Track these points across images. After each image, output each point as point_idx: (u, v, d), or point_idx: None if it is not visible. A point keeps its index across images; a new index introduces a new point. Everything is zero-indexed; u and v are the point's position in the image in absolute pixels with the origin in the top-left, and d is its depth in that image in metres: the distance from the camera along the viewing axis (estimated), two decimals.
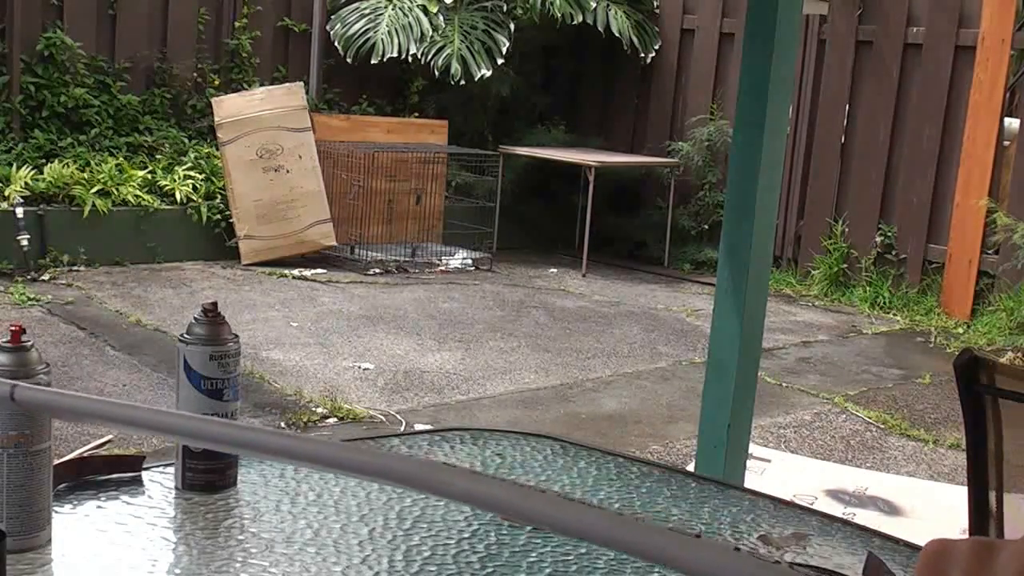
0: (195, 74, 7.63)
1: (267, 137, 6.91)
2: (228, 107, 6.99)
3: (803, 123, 7.58)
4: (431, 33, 7.60)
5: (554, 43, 8.38)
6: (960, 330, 6.54)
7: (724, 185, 7.05)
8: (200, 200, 6.87)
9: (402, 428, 4.17)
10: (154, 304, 5.76)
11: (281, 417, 4.21)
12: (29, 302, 5.59)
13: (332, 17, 7.85)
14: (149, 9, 7.40)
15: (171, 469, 1.29)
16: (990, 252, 6.75)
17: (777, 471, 3.87)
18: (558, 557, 1.18)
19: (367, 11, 7.69)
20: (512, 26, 7.76)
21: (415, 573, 1.12)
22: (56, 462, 1.17)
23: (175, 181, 6.88)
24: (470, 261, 7.47)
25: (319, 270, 6.85)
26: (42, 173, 6.45)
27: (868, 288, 7.15)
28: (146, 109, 7.40)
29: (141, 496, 1.24)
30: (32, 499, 1.09)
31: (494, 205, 7.71)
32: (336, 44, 7.66)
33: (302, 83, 7.40)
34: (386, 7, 7.69)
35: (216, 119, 6.98)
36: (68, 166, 6.56)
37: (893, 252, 7.22)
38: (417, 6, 7.71)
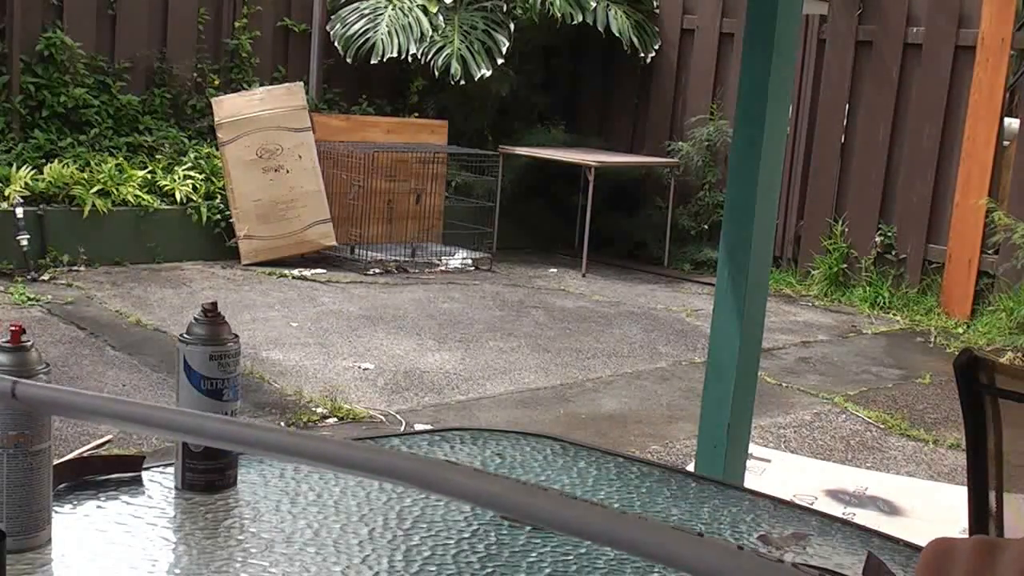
0: (195, 74, 7.63)
1: (267, 137, 6.91)
2: (228, 107, 6.99)
3: (803, 123, 7.58)
4: (431, 33, 7.60)
5: (554, 43, 8.38)
6: (960, 330, 6.54)
7: (724, 185, 7.04)
8: (200, 200, 6.87)
9: (402, 428, 4.17)
10: (154, 304, 5.76)
11: (281, 417, 4.21)
12: (29, 302, 5.59)
13: (332, 17, 7.85)
14: (149, 9, 7.40)
15: (171, 469, 1.29)
16: (990, 252, 6.75)
17: (777, 471, 3.87)
18: (558, 557, 1.17)
19: (367, 11, 7.69)
20: (512, 26, 7.76)
21: (415, 573, 1.12)
22: (56, 462, 1.17)
23: (175, 181, 6.88)
24: (470, 261, 7.47)
25: (319, 270, 6.85)
26: (42, 173, 6.45)
27: (868, 288, 7.15)
28: (146, 109, 7.40)
29: (141, 496, 1.24)
30: (32, 499, 1.09)
31: (494, 205, 7.71)
32: (336, 44, 7.66)
33: (302, 83, 7.40)
34: (386, 7, 7.69)
35: (216, 119, 6.98)
36: (68, 166, 6.56)
37: (893, 252, 7.22)
38: (417, 6, 7.71)
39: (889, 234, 7.23)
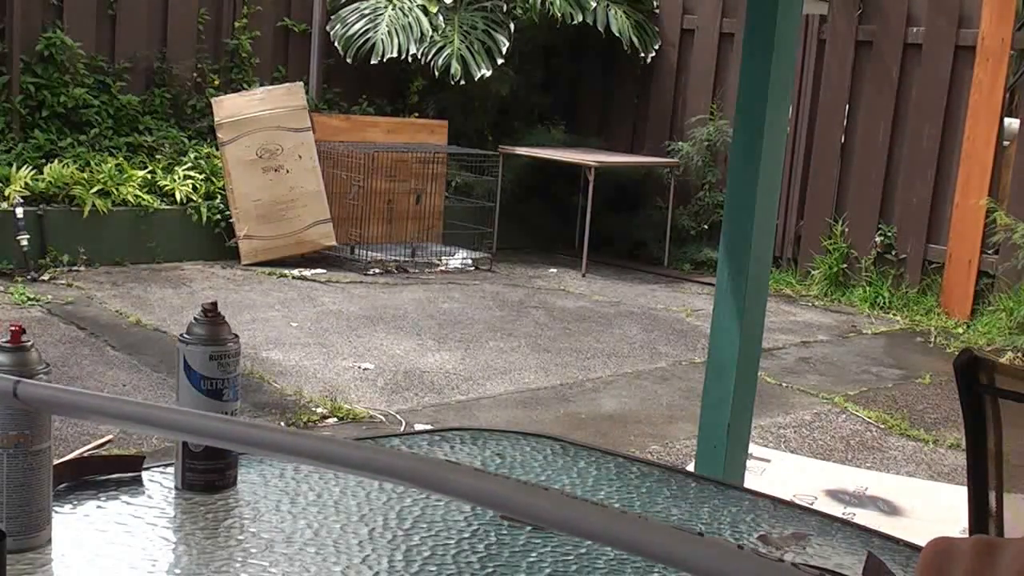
0: (195, 74, 7.63)
1: (267, 137, 6.91)
2: (228, 107, 6.99)
3: (803, 123, 7.58)
4: (431, 33, 7.60)
5: (554, 43, 8.38)
6: (960, 330, 6.54)
7: (724, 185, 7.04)
8: (200, 200, 6.87)
9: (402, 428, 4.17)
10: (154, 304, 5.76)
11: (281, 417, 4.21)
12: (29, 302, 5.59)
13: (332, 17, 7.85)
14: (149, 9, 7.40)
15: (171, 469, 1.29)
16: (990, 252, 6.75)
17: (777, 471, 3.87)
18: (558, 557, 1.17)
19: (367, 11, 7.69)
20: (512, 26, 7.76)
21: (415, 573, 1.12)
22: (56, 462, 1.17)
23: (175, 181, 6.88)
24: (470, 261, 7.47)
25: (319, 270, 6.85)
26: (42, 173, 6.45)
27: (868, 288, 7.15)
28: (146, 109, 7.41)
29: (141, 496, 1.24)
30: (32, 499, 1.09)
31: (494, 205, 7.71)
32: (336, 44, 7.66)
33: (302, 83, 7.40)
34: (386, 7, 7.69)
35: (216, 119, 6.98)
36: (68, 166, 6.56)
37: (893, 252, 7.22)
38: (417, 6, 7.71)
39: (889, 234, 7.23)
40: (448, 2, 7.81)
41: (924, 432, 4.55)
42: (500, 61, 7.64)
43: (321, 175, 7.05)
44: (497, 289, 6.84)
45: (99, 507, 1.20)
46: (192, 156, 7.16)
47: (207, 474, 1.26)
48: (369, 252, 7.16)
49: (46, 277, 6.12)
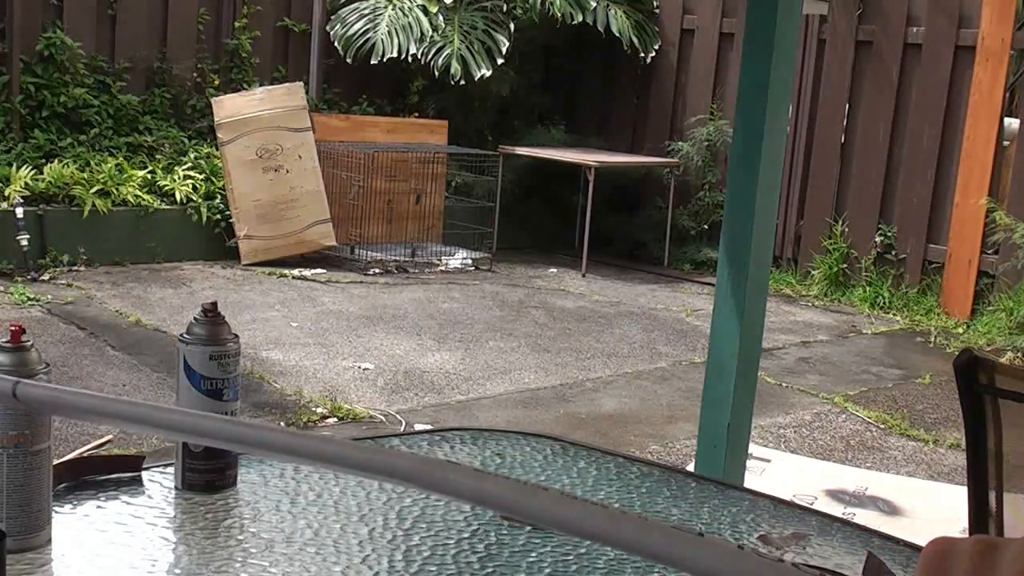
0: (195, 74, 7.63)
1: (267, 137, 6.91)
2: (228, 107, 6.99)
3: (803, 123, 7.58)
4: (431, 33, 7.60)
5: (554, 43, 8.38)
6: (960, 330, 6.54)
7: (724, 185, 7.05)
8: (200, 200, 6.87)
9: (402, 428, 4.17)
10: (154, 304, 5.76)
11: (281, 417, 4.21)
12: (29, 302, 5.59)
13: (332, 17, 7.85)
14: (149, 9, 7.40)
15: (171, 469, 1.29)
16: (990, 252, 6.75)
17: (777, 471, 3.87)
18: (558, 557, 1.18)
19: (367, 11, 7.69)
20: (512, 26, 7.76)
21: (415, 573, 1.12)
22: (56, 462, 1.17)
23: (175, 181, 6.88)
24: (470, 261, 7.47)
25: (319, 270, 6.85)
26: (42, 173, 6.45)
27: (868, 288, 7.15)
28: (146, 109, 7.41)
29: (141, 496, 1.24)
30: (32, 499, 1.09)
31: (494, 205, 7.71)
32: (336, 44, 7.66)
33: (302, 83, 7.40)
34: (386, 7, 7.69)
35: (216, 119, 6.98)
36: (68, 166, 6.56)
37: (893, 252, 7.22)
38: (417, 6, 7.71)
39: (889, 234, 7.23)
40: (448, 2, 7.81)
41: (924, 432, 4.55)
42: (500, 61, 7.64)
43: (321, 175, 7.05)
44: (497, 289, 6.84)
45: (99, 507, 1.20)
46: (192, 156, 7.16)
47: (207, 474, 1.26)
48: (369, 252, 7.16)
49: (46, 277, 6.12)
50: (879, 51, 7.29)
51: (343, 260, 7.11)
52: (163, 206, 6.77)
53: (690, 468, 2.75)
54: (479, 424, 4.24)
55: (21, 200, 6.23)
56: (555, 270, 7.57)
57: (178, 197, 6.82)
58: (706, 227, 7.87)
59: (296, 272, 6.73)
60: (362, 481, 1.31)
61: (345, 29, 7.64)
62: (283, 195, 6.90)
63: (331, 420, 4.24)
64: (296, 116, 7.02)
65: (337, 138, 7.34)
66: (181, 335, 1.27)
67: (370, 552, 1.15)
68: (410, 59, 7.59)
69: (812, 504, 3.44)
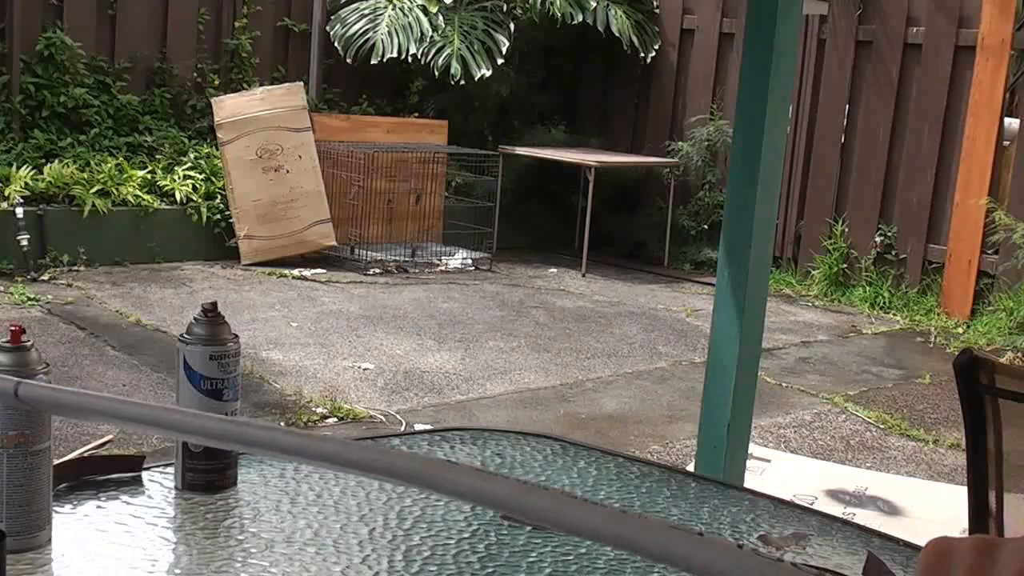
0: (195, 74, 7.63)
1: (267, 137, 6.91)
2: (228, 107, 6.99)
3: (803, 123, 7.58)
4: (431, 33, 7.60)
5: (554, 43, 8.38)
6: (960, 330, 6.54)
7: (724, 185, 7.05)
8: (200, 200, 6.87)
9: (402, 428, 4.17)
10: (154, 304, 5.76)
11: (281, 417, 4.21)
12: (29, 302, 5.59)
13: (332, 17, 7.85)
14: (149, 9, 7.40)
15: (171, 469, 1.29)
16: (990, 252, 6.75)
17: (777, 471, 3.87)
18: (558, 557, 1.18)
19: (367, 11, 7.69)
20: (512, 26, 7.76)
21: (415, 573, 1.12)
22: (56, 462, 1.17)
23: (175, 181, 6.88)
24: (470, 261, 7.47)
25: (319, 270, 6.85)
26: (42, 173, 6.45)
27: (868, 288, 7.15)
28: (146, 109, 7.41)
29: (141, 496, 1.24)
30: (32, 499, 1.09)
31: (494, 205, 7.71)
32: (336, 44, 7.66)
33: (302, 83, 7.40)
34: (386, 7, 7.69)
35: (216, 119, 6.98)
36: (68, 166, 6.56)
37: (893, 252, 7.22)
38: (417, 6, 7.71)
39: (889, 234, 7.23)
40: (448, 2, 7.81)
41: (924, 432, 4.55)
42: (500, 61, 7.64)
43: (321, 175, 7.05)
44: (497, 289, 6.84)
45: (99, 507, 1.20)
46: (192, 156, 7.16)
47: (207, 474, 1.26)
48: (369, 252, 7.16)
49: (46, 277, 6.12)
50: (879, 51, 7.29)
51: (343, 260, 7.11)
52: (163, 206, 6.77)
53: (690, 468, 2.75)
54: (479, 424, 4.24)
55: (21, 200, 6.23)
56: (555, 270, 7.57)
57: (178, 197, 6.82)
58: (706, 227, 7.87)
59: (296, 272, 6.73)
60: (362, 481, 1.31)
61: (345, 29, 7.64)
62: (283, 195, 6.90)
63: (331, 420, 4.24)
64: (296, 116, 7.02)
65: (337, 138, 7.34)
66: (181, 335, 1.27)
67: (370, 552, 1.15)
68: (410, 59, 7.59)
69: (812, 504, 3.44)
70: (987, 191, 6.70)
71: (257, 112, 6.95)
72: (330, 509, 1.24)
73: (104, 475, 1.26)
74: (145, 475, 1.29)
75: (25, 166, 6.46)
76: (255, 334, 5.24)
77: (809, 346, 6.00)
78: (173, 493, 1.26)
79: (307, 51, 8.08)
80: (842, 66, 7.44)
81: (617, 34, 7.94)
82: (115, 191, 6.59)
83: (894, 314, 6.87)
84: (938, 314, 6.79)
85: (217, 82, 7.61)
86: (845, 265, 7.34)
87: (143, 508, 1.21)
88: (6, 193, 6.24)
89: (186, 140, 7.36)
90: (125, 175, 6.74)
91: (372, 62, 7.49)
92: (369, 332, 5.53)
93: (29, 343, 1.11)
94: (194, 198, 6.86)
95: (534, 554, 1.18)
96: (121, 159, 6.91)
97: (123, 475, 1.27)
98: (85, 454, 3.16)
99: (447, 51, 7.55)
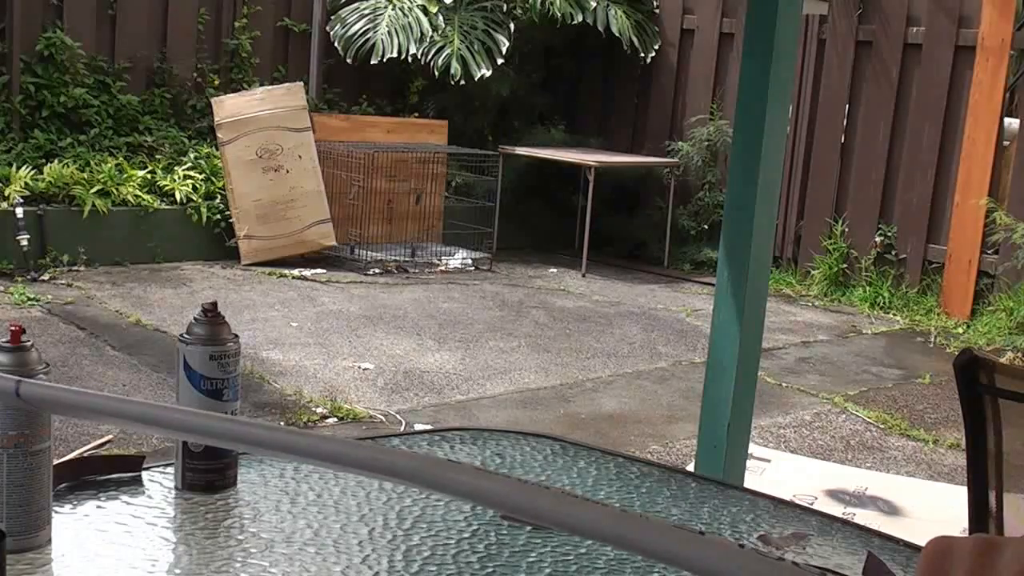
0: (195, 74, 7.63)
1: (267, 137, 6.91)
2: (228, 107, 6.99)
3: (803, 123, 7.58)
4: (431, 33, 7.60)
5: (554, 43, 8.37)
6: (960, 330, 6.54)
7: (724, 185, 7.05)
8: (200, 200, 6.87)
9: (402, 428, 4.17)
10: (154, 304, 5.76)
11: (281, 417, 4.21)
12: (29, 302, 5.59)
13: (332, 17, 7.85)
14: (149, 9, 7.40)
15: (171, 469, 1.29)
16: (990, 252, 6.75)
17: (777, 471, 3.87)
18: (558, 557, 1.18)
19: (367, 11, 7.69)
20: (512, 26, 7.76)
21: (415, 573, 1.12)
22: (56, 462, 1.17)
23: (175, 181, 6.88)
24: (470, 261, 7.47)
25: (319, 270, 6.85)
26: (42, 173, 6.45)
27: (868, 288, 7.15)
28: (146, 109, 7.41)
29: (141, 496, 1.24)
30: (32, 499, 1.09)
31: (494, 205, 7.71)
32: (336, 44, 7.66)
33: (302, 83, 7.40)
34: (386, 7, 7.69)
35: (216, 119, 6.98)
36: (68, 166, 6.56)
37: (893, 252, 7.22)
38: (417, 6, 7.71)
39: (889, 234, 7.23)
40: (448, 2, 7.81)
41: (924, 432, 4.55)
42: (500, 61, 7.64)
43: (321, 175, 7.05)
44: (497, 289, 6.84)
45: (99, 507, 1.20)
46: (192, 156, 7.16)
47: (207, 474, 1.26)
48: (369, 252, 7.16)
49: (46, 277, 6.12)
50: (879, 51, 7.29)
51: (343, 260, 7.11)
52: (163, 206, 6.77)
53: (690, 468, 2.75)
54: (479, 424, 4.24)
55: (21, 200, 6.23)
56: (555, 270, 7.57)
57: (178, 197, 6.82)
58: (706, 227, 7.87)
59: (296, 272, 6.73)
60: (362, 481, 1.31)
61: (345, 29, 7.64)
62: (283, 195, 6.90)
63: (331, 420, 4.24)
64: (296, 116, 7.02)
65: (337, 138, 7.34)
66: (181, 335, 1.27)
67: (370, 552, 1.15)
68: (410, 59, 7.59)
69: (812, 504, 3.44)
70: (987, 191, 6.70)
71: (257, 112, 6.95)
72: (330, 509, 1.24)
73: (104, 475, 1.26)
74: (145, 475, 1.29)
75: (25, 166, 6.46)
76: (255, 334, 5.24)
77: (809, 346, 6.00)
78: (173, 493, 1.26)
79: (307, 51, 8.08)
80: (842, 66, 7.44)
81: (617, 34, 7.94)
82: (115, 191, 6.59)
83: (894, 314, 6.87)
84: (938, 314, 6.79)
85: (217, 82, 7.61)
86: (845, 265, 7.34)
87: (143, 508, 1.21)
88: (6, 193, 6.24)
89: (186, 140, 7.36)
90: (125, 175, 6.74)
91: (372, 62, 7.49)
92: (369, 332, 5.53)
93: (29, 343, 1.11)
94: (194, 198, 6.86)
95: (534, 554, 1.18)
96: (121, 159, 6.91)
97: (123, 475, 1.27)
98: (85, 454, 3.16)
99: (447, 51, 7.55)
